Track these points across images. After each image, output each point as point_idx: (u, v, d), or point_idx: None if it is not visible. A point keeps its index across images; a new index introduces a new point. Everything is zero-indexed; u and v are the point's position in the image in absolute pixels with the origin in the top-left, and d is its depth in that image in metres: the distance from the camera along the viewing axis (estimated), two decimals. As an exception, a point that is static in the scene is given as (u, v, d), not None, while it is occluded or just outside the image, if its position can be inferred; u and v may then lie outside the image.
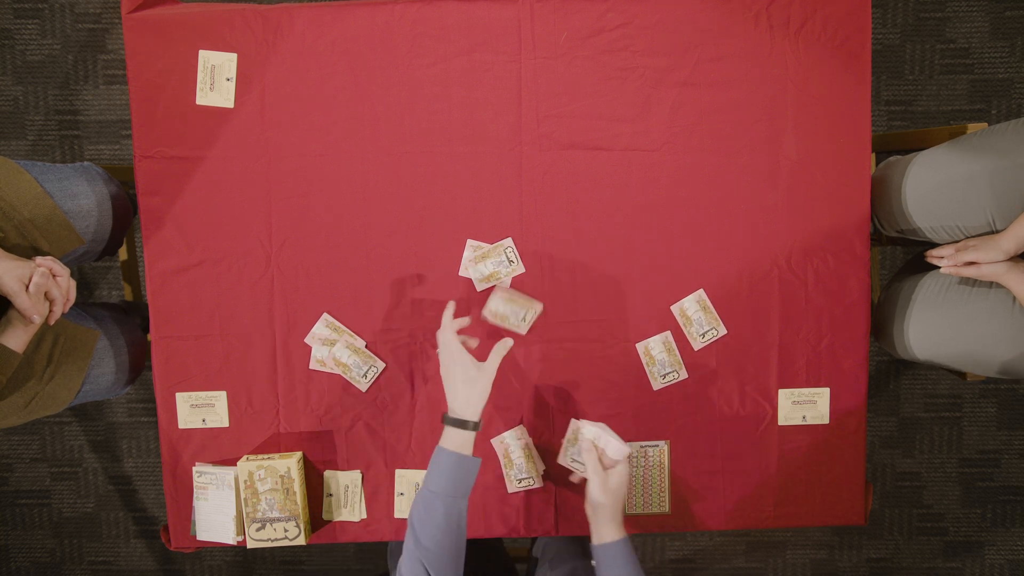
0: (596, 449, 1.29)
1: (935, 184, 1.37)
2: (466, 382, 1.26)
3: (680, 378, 1.47)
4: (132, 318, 1.70)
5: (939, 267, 1.36)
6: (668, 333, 1.46)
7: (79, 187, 1.41)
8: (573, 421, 1.44)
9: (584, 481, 1.30)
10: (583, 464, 1.30)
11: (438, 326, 1.45)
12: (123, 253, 1.87)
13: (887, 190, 1.47)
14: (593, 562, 1.28)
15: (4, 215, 1.28)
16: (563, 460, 1.43)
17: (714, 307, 1.45)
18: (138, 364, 1.61)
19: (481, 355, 1.29)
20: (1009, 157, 1.27)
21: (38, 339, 1.34)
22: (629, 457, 1.31)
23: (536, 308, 1.42)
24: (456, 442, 1.24)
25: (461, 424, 1.24)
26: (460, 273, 1.45)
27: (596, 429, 1.30)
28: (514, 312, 1.40)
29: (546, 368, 1.47)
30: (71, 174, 1.43)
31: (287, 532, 1.45)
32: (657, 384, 1.47)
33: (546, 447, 1.48)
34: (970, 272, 1.31)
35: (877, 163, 1.68)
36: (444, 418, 1.26)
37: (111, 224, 1.49)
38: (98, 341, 1.47)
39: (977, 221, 1.31)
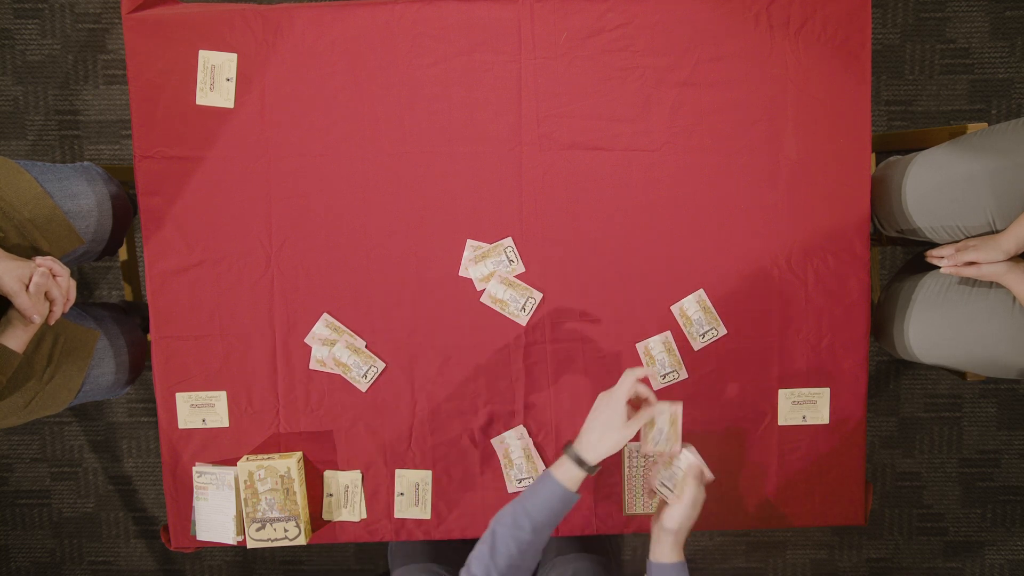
0: (701, 472, 1.27)
1: (935, 184, 1.37)
2: (605, 427, 1.23)
3: (680, 378, 1.47)
4: (132, 318, 1.70)
5: (939, 267, 1.36)
6: (668, 333, 1.46)
7: (79, 187, 1.41)
8: (659, 405, 1.32)
9: (661, 503, 1.28)
10: (672, 490, 1.27)
11: (439, 326, 1.45)
12: (123, 253, 1.87)
13: (887, 190, 1.47)
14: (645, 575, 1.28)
15: (4, 215, 1.28)
16: (654, 484, 1.30)
17: (714, 307, 1.45)
18: (138, 364, 1.61)
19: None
20: (1009, 157, 1.27)
21: (38, 339, 1.34)
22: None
23: (535, 297, 1.42)
24: (568, 475, 1.22)
25: (580, 462, 1.23)
26: (460, 273, 1.45)
27: (695, 456, 1.28)
28: (513, 299, 1.40)
29: (546, 368, 1.47)
30: (71, 174, 1.43)
31: (287, 532, 1.45)
32: (657, 384, 1.47)
33: (546, 447, 1.48)
34: (970, 272, 1.31)
35: (877, 163, 1.68)
36: (566, 448, 1.25)
37: (111, 224, 1.49)
38: (98, 341, 1.47)
39: (977, 221, 1.31)
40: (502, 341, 1.46)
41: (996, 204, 1.28)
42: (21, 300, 1.20)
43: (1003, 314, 1.31)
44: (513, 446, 1.47)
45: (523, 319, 1.44)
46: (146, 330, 1.67)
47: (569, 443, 1.26)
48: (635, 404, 1.28)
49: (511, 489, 1.48)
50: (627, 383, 1.24)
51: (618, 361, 1.46)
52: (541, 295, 1.44)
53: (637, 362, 1.46)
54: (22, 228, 1.30)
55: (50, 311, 1.25)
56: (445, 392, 1.47)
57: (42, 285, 1.21)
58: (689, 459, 1.27)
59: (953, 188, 1.34)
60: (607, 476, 1.49)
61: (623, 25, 1.41)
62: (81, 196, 1.41)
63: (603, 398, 1.26)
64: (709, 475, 1.27)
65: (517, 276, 1.45)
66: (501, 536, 1.19)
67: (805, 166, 1.43)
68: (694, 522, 1.25)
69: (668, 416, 1.28)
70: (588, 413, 1.27)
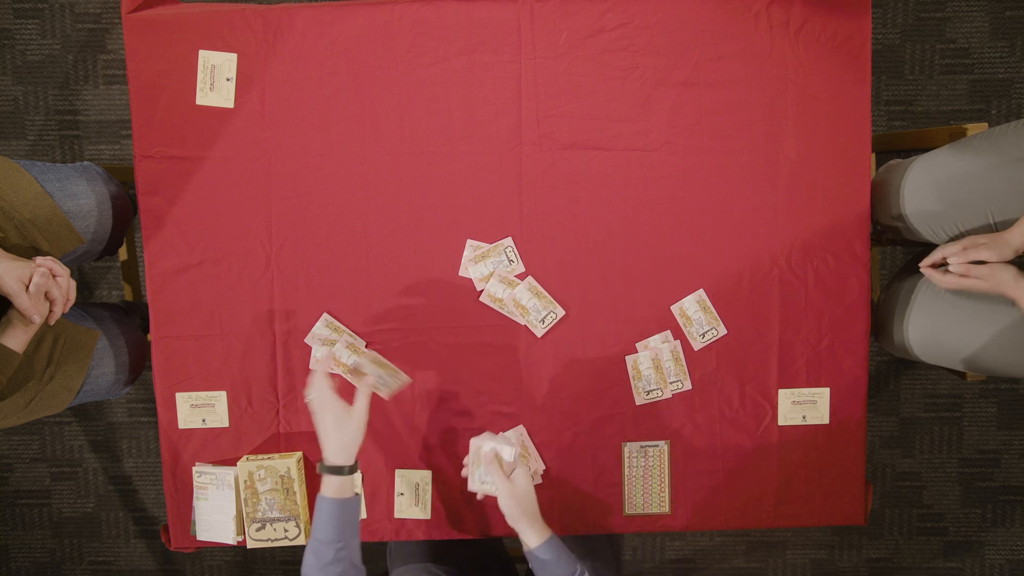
0: (498, 460, 1.29)
1: (934, 187, 1.37)
2: (337, 427, 1.26)
3: (684, 388, 1.47)
4: (132, 318, 1.70)
5: (942, 266, 1.33)
6: (677, 343, 1.45)
7: (79, 187, 1.41)
8: (473, 441, 1.34)
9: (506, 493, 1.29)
10: (491, 481, 1.29)
11: (439, 327, 1.45)
12: (123, 253, 1.87)
13: (886, 194, 1.47)
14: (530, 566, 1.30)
15: (4, 215, 1.28)
16: (474, 486, 1.33)
17: (714, 307, 1.45)
18: (138, 365, 1.61)
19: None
20: (1008, 155, 1.27)
21: (38, 339, 1.34)
22: (522, 456, 1.31)
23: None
24: (334, 487, 1.24)
25: (337, 471, 1.25)
26: (460, 273, 1.45)
27: (491, 442, 1.29)
28: (536, 308, 1.42)
29: (546, 368, 1.47)
30: (71, 174, 1.42)
31: (287, 532, 1.44)
32: (662, 395, 1.47)
33: (546, 446, 1.48)
34: (971, 284, 1.27)
35: (877, 163, 1.68)
36: (319, 467, 1.26)
37: (111, 224, 1.49)
38: (98, 341, 1.47)
39: (977, 222, 1.31)
40: (502, 341, 1.46)
41: (996, 203, 1.28)
42: (21, 300, 1.19)
43: (1003, 312, 1.31)
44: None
45: (540, 331, 1.44)
46: (146, 330, 1.67)
47: (319, 463, 1.27)
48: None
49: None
50: (316, 379, 1.27)
51: (619, 361, 1.46)
52: (564, 312, 1.44)
53: (635, 360, 1.47)
54: (22, 228, 1.30)
55: (50, 311, 1.25)
56: (445, 392, 1.47)
57: (42, 285, 1.21)
58: (484, 451, 1.29)
59: (952, 189, 1.34)
60: (608, 476, 1.49)
61: (623, 25, 1.40)
62: (81, 196, 1.41)
63: (314, 410, 1.28)
64: (515, 448, 1.28)
65: (517, 275, 1.45)
66: (310, 572, 1.23)
67: (805, 166, 1.43)
68: (533, 499, 1.29)
69: (484, 459, 1.30)
70: (318, 429, 1.28)
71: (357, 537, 1.26)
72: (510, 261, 1.44)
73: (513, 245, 1.44)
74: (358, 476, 1.27)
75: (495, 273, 1.44)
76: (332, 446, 1.26)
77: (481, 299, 1.44)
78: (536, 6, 1.40)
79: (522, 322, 1.45)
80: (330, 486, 1.25)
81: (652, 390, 1.46)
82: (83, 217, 1.41)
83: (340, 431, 1.26)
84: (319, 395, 1.27)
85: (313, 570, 1.23)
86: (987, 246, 1.25)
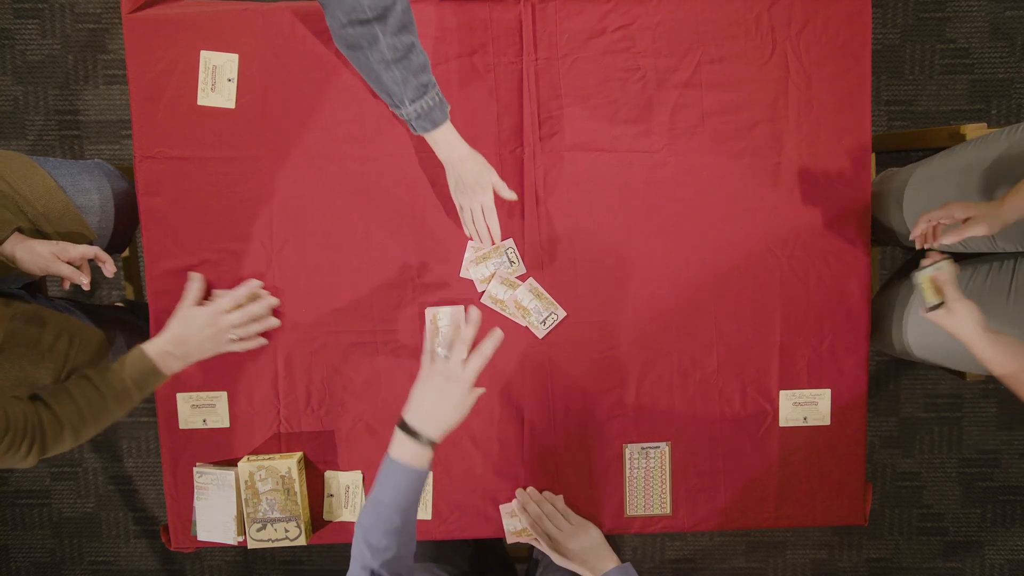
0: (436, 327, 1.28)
1: (932, 195, 1.38)
2: (455, 407, 1.16)
3: (560, 317, 1.44)
4: (139, 323, 1.69)
5: (927, 263, 1.29)
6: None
7: (88, 183, 1.42)
8: (428, 311, 1.40)
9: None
10: (536, 536, 1.41)
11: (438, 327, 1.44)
12: (125, 252, 1.86)
13: (885, 203, 1.48)
14: None
15: (19, 209, 1.29)
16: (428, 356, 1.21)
17: (548, 291, 1.44)
18: None
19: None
20: (1005, 153, 1.27)
21: (53, 339, 1.34)
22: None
23: (559, 314, 1.43)
24: (410, 453, 1.14)
25: (422, 441, 1.15)
26: (461, 275, 1.45)
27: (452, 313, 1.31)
28: (537, 310, 1.43)
29: (547, 368, 1.47)
30: (81, 170, 1.44)
31: (288, 532, 1.45)
32: (540, 332, 1.45)
33: (546, 447, 1.48)
34: (934, 317, 1.22)
35: (877, 163, 1.68)
36: (402, 426, 1.15)
37: (113, 221, 1.48)
38: (109, 347, 1.47)
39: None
40: (503, 342, 1.46)
41: (991, 197, 1.28)
42: (59, 269, 1.27)
43: (999, 310, 1.31)
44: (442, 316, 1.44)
45: (541, 332, 1.45)
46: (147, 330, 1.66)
47: (403, 420, 1.16)
48: None
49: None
50: (478, 358, 1.16)
51: (619, 361, 1.46)
52: (565, 313, 1.45)
53: (639, 363, 1.46)
54: (36, 222, 1.32)
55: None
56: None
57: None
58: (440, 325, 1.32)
59: (947, 194, 1.35)
60: (609, 477, 1.49)
61: (625, 26, 1.40)
62: (89, 192, 1.42)
63: (444, 378, 1.15)
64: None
65: (518, 277, 1.45)
66: (370, 531, 1.12)
67: (806, 167, 1.43)
68: (584, 532, 1.41)
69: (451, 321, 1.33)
70: (418, 378, 1.18)
71: (415, 514, 1.16)
72: (511, 262, 1.44)
73: (514, 246, 1.44)
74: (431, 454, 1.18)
75: (496, 274, 1.44)
76: (439, 419, 1.15)
77: (482, 300, 1.44)
78: (538, 7, 1.40)
79: (523, 323, 1.45)
80: (406, 450, 1.14)
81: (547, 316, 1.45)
82: (90, 213, 1.42)
83: (454, 412, 1.15)
84: (467, 371, 1.15)
85: (376, 533, 1.12)
86: (978, 219, 1.20)
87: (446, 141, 1.32)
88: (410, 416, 1.15)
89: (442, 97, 1.28)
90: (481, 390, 1.19)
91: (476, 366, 1.16)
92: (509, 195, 1.39)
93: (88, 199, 1.41)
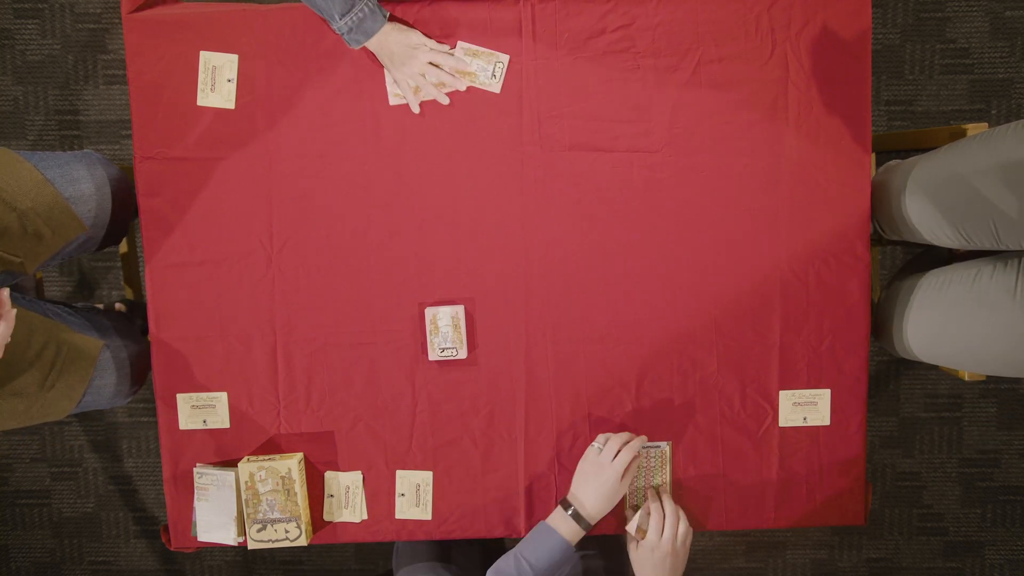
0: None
1: (935, 188, 1.37)
2: (609, 497, 1.34)
3: (506, 62, 1.42)
4: (136, 327, 1.68)
5: (942, 265, 1.33)
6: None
7: (79, 172, 1.39)
8: (428, 311, 1.43)
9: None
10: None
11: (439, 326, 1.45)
12: (123, 247, 1.85)
13: (887, 194, 1.47)
14: None
15: (6, 205, 1.27)
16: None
17: (466, 329, 1.45)
18: (141, 375, 1.58)
19: None
20: (1009, 156, 1.27)
21: (41, 347, 1.33)
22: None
23: (503, 60, 1.40)
24: (568, 530, 1.32)
25: (581, 522, 1.33)
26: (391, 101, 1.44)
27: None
28: (481, 68, 1.40)
29: (546, 369, 1.47)
30: (71, 160, 1.40)
31: (288, 533, 1.45)
32: (496, 87, 1.43)
33: (547, 448, 1.48)
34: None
35: (877, 164, 1.68)
36: (565, 506, 1.34)
37: (111, 208, 1.45)
38: (101, 352, 1.46)
39: (979, 224, 1.31)
40: (502, 342, 1.46)
41: (995, 204, 1.28)
42: None
43: (1004, 308, 1.31)
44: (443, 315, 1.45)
45: (496, 86, 1.42)
46: (146, 330, 1.66)
47: (566, 500, 1.35)
48: None
49: (432, 357, 1.46)
50: (627, 458, 1.35)
51: (619, 362, 1.46)
52: (508, 57, 1.41)
53: (639, 363, 1.46)
54: (24, 217, 1.29)
55: None
56: (446, 392, 1.47)
57: None
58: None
59: (952, 190, 1.34)
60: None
61: (625, 26, 1.40)
62: (81, 181, 1.39)
63: (608, 473, 1.34)
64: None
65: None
66: None
67: (806, 167, 1.43)
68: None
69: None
70: (578, 468, 1.37)
71: None
72: (493, 76, 1.41)
73: (506, 64, 1.41)
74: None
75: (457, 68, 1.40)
76: (597, 506, 1.34)
77: (425, 95, 1.41)
78: (538, 7, 1.40)
79: (471, 85, 1.41)
80: (566, 527, 1.33)
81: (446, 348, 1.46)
82: (83, 202, 1.39)
83: (607, 503, 1.35)
84: (622, 469, 1.35)
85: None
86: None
87: (379, 43, 1.34)
88: (576, 501, 1.35)
89: (375, 6, 1.29)
90: (631, 478, 1.39)
91: (624, 459, 1.35)
92: (441, 47, 1.39)
93: (81, 188, 1.38)
